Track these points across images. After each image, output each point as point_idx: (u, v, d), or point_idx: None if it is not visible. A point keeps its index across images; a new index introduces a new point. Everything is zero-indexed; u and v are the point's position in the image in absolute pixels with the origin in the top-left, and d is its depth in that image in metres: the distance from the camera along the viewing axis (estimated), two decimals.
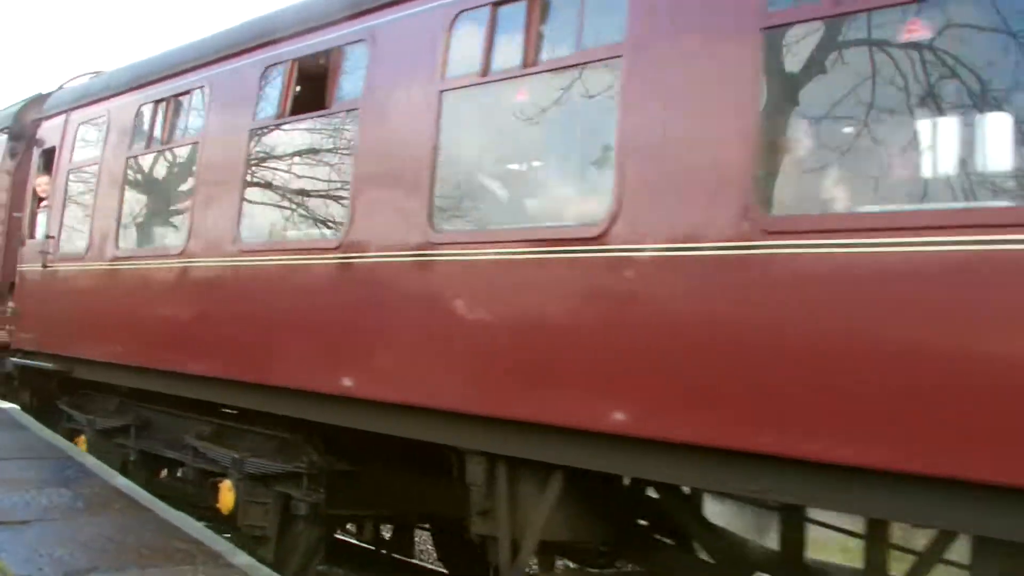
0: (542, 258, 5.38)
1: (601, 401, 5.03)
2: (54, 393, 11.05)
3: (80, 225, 10.28)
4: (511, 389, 5.52)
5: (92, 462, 9.05)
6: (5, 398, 12.43)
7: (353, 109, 6.85)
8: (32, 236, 11.24)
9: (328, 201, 7.11)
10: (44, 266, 10.56)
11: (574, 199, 5.68)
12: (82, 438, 10.17)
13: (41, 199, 11.28)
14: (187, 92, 8.79)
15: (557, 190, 5.89)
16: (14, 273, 11.91)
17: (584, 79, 5.43)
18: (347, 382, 6.53)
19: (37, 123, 11.63)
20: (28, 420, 11.13)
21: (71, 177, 10.53)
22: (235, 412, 8.44)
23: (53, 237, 10.53)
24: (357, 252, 6.57)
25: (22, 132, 12.19)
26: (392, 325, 6.21)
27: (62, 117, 10.95)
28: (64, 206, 10.51)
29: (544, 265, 5.37)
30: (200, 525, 7.22)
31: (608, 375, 5.01)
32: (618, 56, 5.17)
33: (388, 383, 6.21)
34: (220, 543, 6.65)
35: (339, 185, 6.98)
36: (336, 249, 6.69)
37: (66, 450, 9.56)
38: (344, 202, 6.79)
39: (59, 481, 8.00)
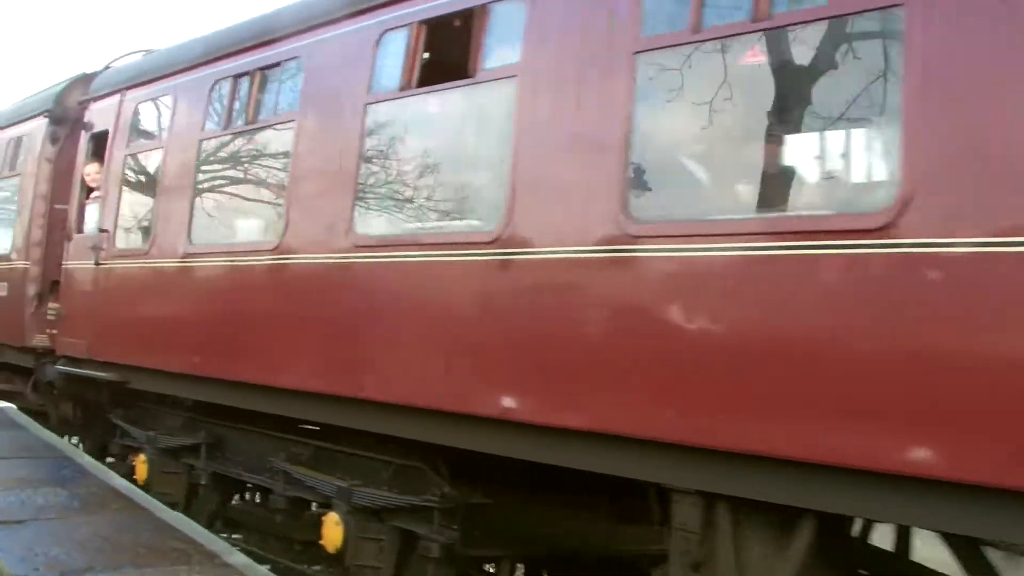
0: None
1: (895, 433, 3.94)
2: (103, 405, 9.91)
3: (141, 217, 9.15)
4: (745, 415, 4.43)
5: (88, 461, 8.92)
6: (43, 409, 11.28)
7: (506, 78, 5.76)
8: (80, 230, 10.09)
9: (478, 184, 6.01)
10: (97, 263, 9.42)
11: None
12: (141, 457, 9.02)
13: (91, 189, 10.13)
14: (276, 64, 7.67)
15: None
16: (56, 271, 10.77)
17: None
18: (509, 403, 5.41)
19: (84, 105, 10.48)
20: (25, 419, 10.84)
21: (128, 163, 9.39)
22: (317, 429, 7.35)
23: (107, 231, 9.38)
24: (518, 247, 5.46)
25: (64, 115, 11.04)
26: (583, 338, 5.09)
27: (115, 98, 9.81)
28: (120, 196, 9.37)
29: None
30: (196, 525, 7.10)
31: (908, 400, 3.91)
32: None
33: (574, 408, 5.10)
34: (216, 543, 6.57)
35: (494, 162, 5.85)
36: (492, 243, 5.57)
37: (63, 450, 9.38)
38: (500, 188, 5.67)
39: (55, 480, 7.91)
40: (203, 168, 8.28)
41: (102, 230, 9.43)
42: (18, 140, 11.77)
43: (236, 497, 8.86)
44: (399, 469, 6.65)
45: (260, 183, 7.80)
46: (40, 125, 11.23)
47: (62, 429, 11.40)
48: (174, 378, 8.37)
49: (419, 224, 6.39)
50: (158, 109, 9.20)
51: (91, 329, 9.47)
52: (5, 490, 7.44)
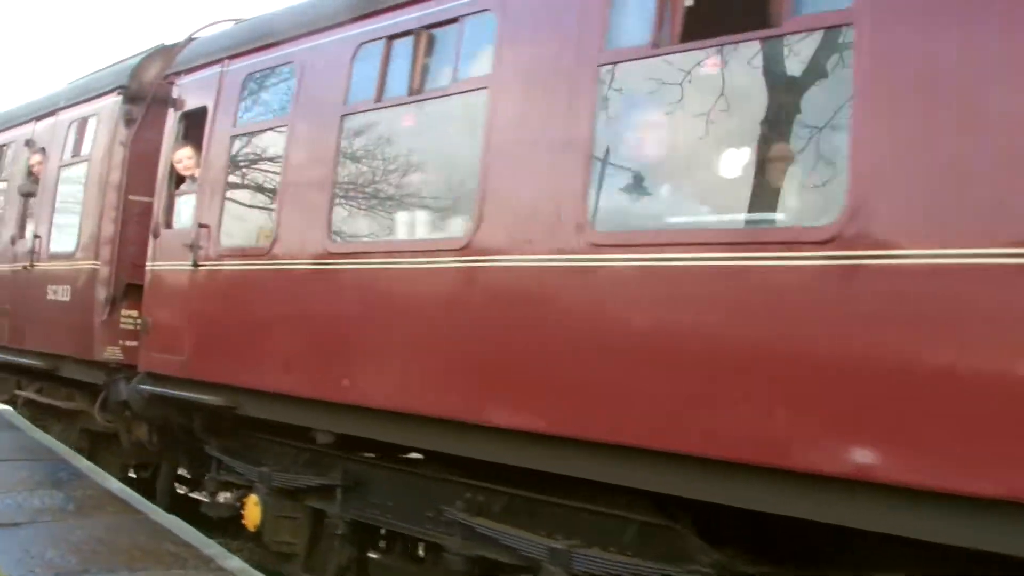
0: None
1: None
2: (195, 432, 8.41)
3: (256, 209, 7.67)
4: None
5: (85, 464, 8.75)
6: (111, 431, 9.76)
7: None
8: (170, 225, 8.59)
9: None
10: (195, 265, 7.92)
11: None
12: (253, 499, 7.49)
13: (182, 178, 8.64)
14: (452, 20, 6.20)
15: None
16: (131, 272, 9.27)
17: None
18: (865, 458, 3.97)
19: (170, 79, 8.98)
20: (21, 421, 10.65)
21: (237, 146, 7.90)
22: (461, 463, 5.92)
23: (207, 226, 7.89)
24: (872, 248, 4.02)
25: (141, 92, 9.54)
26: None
27: (214, 69, 8.31)
28: (225, 185, 7.87)
29: None
30: (192, 528, 6.97)
31: None
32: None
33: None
34: (212, 547, 6.50)
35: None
36: (828, 244, 4.13)
37: (58, 452, 9.28)
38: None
39: (52, 483, 7.85)
40: (349, 150, 6.80)
41: (201, 225, 7.93)
42: (82, 122, 10.26)
43: (374, 548, 7.34)
44: (643, 528, 5.19)
45: (431, 166, 6.33)
46: (111, 104, 9.71)
47: (135, 456, 9.88)
48: (306, 405, 6.89)
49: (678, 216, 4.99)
50: (278, 80, 7.72)
51: (188, 343, 7.97)
52: (2, 493, 7.32)
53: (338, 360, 6.52)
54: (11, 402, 11.37)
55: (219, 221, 7.83)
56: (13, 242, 11.18)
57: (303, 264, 6.92)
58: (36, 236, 10.56)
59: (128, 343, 9.35)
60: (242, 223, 7.75)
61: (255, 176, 7.80)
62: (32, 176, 11.13)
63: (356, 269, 6.50)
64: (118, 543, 6.35)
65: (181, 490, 10.57)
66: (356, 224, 6.85)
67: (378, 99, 6.56)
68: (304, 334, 6.85)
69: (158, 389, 8.32)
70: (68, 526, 6.67)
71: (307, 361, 6.82)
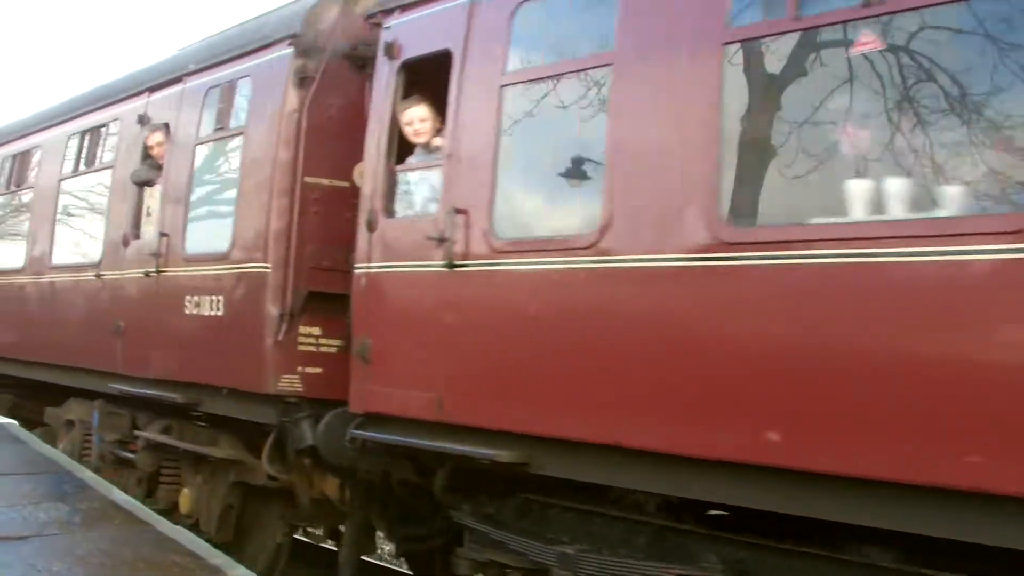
0: None
1: None
2: (433, 493, 6.20)
3: (558, 185, 5.49)
4: None
5: (90, 476, 8.73)
6: (283, 485, 7.53)
7: None
8: (391, 213, 6.37)
9: None
10: (450, 265, 5.71)
11: None
12: None
13: (403, 148, 6.43)
14: None
15: None
16: (311, 277, 7.08)
17: None
18: None
19: (375, 21, 6.77)
20: (25, 434, 10.51)
21: (511, 99, 5.70)
22: None
23: (465, 211, 5.69)
24: None
25: (317, 43, 7.30)
26: None
27: (458, 1, 6.12)
28: (497, 153, 5.66)
29: None
30: (197, 539, 6.94)
31: None
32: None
33: None
34: (218, 556, 6.46)
35: None
36: None
37: (64, 465, 9.18)
38: None
39: (57, 496, 7.83)
40: (749, 90, 4.63)
41: (458, 211, 5.72)
42: (228, 87, 8.03)
43: None
44: None
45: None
46: (275, 61, 7.47)
47: (313, 516, 7.67)
48: (660, 465, 4.71)
49: None
50: (574, 8, 5.53)
51: (442, 374, 5.74)
52: (7, 506, 7.35)
53: (757, 402, 4.33)
54: (123, 444, 9.09)
55: (489, 203, 5.63)
56: (125, 243, 8.92)
57: (667, 261, 4.73)
58: (163, 234, 8.30)
59: (308, 370, 7.12)
60: (533, 204, 5.55)
61: (549, 138, 5.59)
62: (150, 160, 8.89)
63: (790, 267, 4.31)
64: (124, 554, 6.28)
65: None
66: (751, 199, 4.68)
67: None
68: (678, 364, 4.66)
69: (390, 437, 6.08)
70: (74, 539, 6.62)
71: (683, 405, 4.63)
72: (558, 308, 5.22)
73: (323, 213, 7.23)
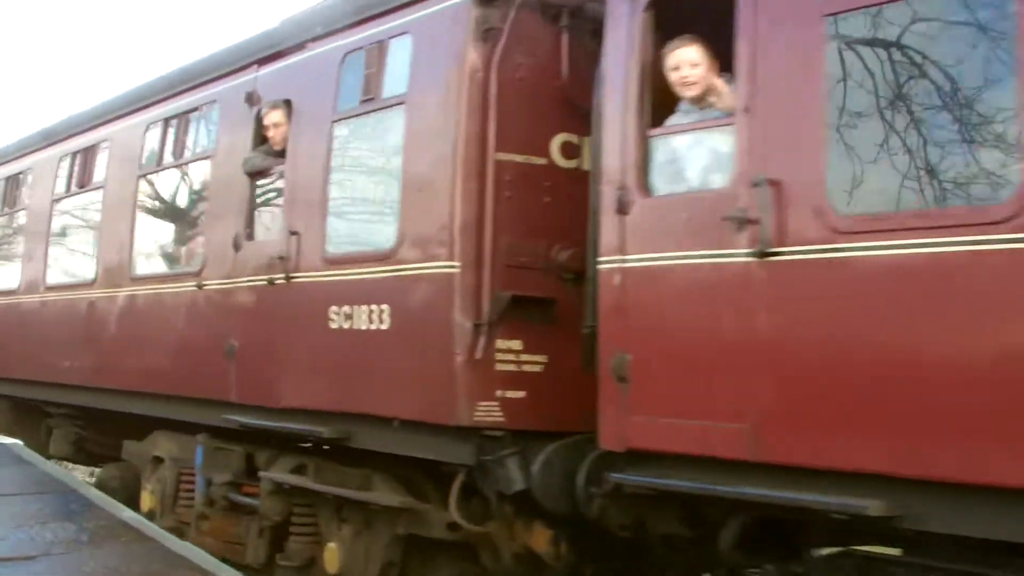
0: None
1: None
2: (719, 554, 4.74)
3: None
4: None
5: (96, 495, 8.79)
6: (461, 538, 6.06)
7: None
8: (650, 190, 4.90)
9: None
10: (761, 253, 4.25)
11: None
12: None
13: (658, 109, 4.98)
14: None
15: None
16: (509, 278, 5.63)
17: None
18: None
19: None
20: (30, 455, 10.46)
21: (838, 30, 4.25)
22: None
23: (778, 183, 4.24)
24: None
25: None
26: None
27: None
28: (822, 102, 4.21)
29: None
30: (206, 554, 6.89)
31: None
32: None
33: None
34: (226, 571, 6.40)
35: None
36: None
37: (69, 484, 9.22)
38: None
39: (64, 515, 7.83)
40: None
41: (770, 182, 4.27)
42: (376, 49, 6.54)
43: None
44: None
45: None
46: (446, 13, 6.02)
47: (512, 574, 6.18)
48: None
49: None
50: None
51: (760, 399, 4.28)
52: (15, 527, 7.38)
53: None
54: (236, 486, 7.58)
55: (819, 169, 4.18)
56: (237, 246, 7.42)
57: None
58: (292, 233, 6.81)
59: (509, 394, 5.66)
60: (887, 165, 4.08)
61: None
62: (264, 145, 7.40)
63: None
64: (132, 571, 6.32)
65: None
66: None
67: None
68: None
69: (679, 482, 4.59)
70: (81, 557, 6.67)
71: None
72: (967, 307, 3.77)
73: (517, 198, 5.80)
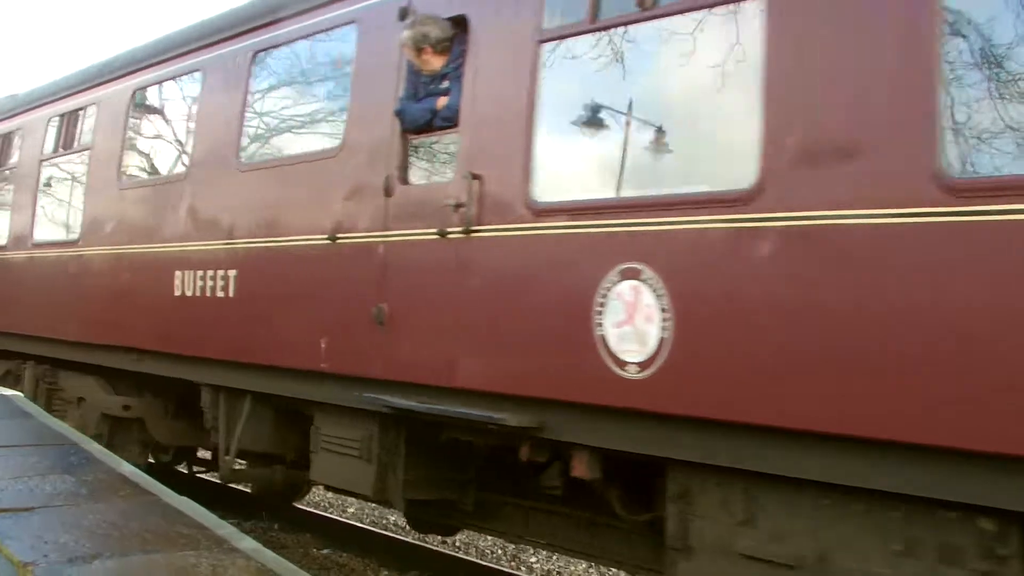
0: None
1: None
2: None
3: None
4: None
5: (96, 449, 8.66)
6: None
7: None
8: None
9: None
10: None
11: None
12: None
13: None
14: None
15: None
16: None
17: None
18: None
19: None
20: (31, 407, 10.23)
21: None
22: None
23: None
24: None
25: None
26: None
27: None
28: None
29: None
30: (204, 510, 6.87)
31: None
32: None
33: None
34: (225, 528, 6.47)
35: None
36: None
37: (70, 437, 8.96)
38: None
39: (63, 468, 7.77)
40: None
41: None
42: None
43: None
44: None
45: None
46: None
47: None
48: None
49: None
50: None
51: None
52: (13, 478, 7.33)
53: None
54: None
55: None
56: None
57: None
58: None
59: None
60: None
61: None
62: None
63: None
64: (131, 526, 6.27)
65: None
66: None
67: None
68: None
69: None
70: (81, 511, 6.57)
71: None
72: None
73: None
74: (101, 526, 6.23)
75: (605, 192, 5.11)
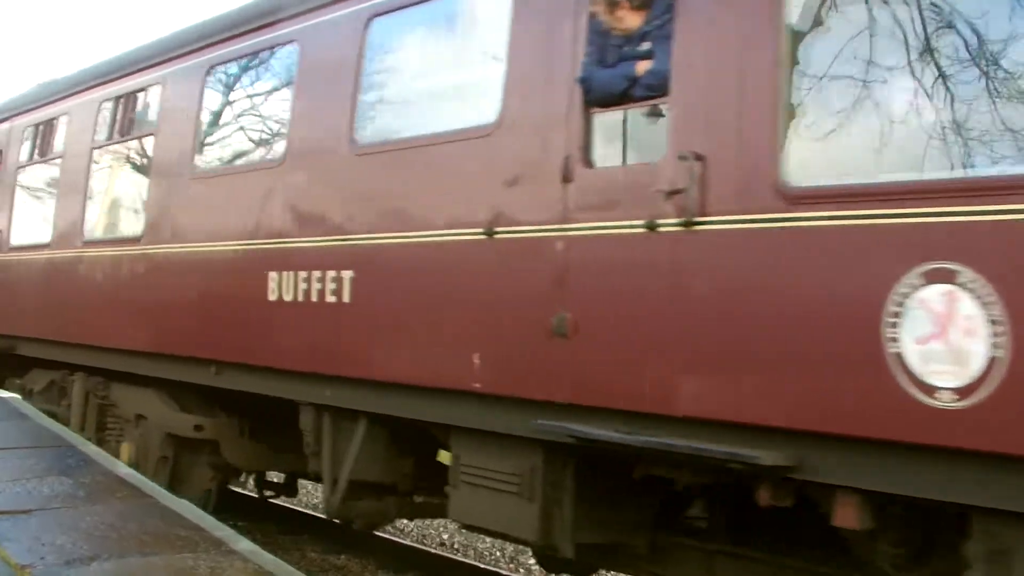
0: None
1: None
2: None
3: None
4: None
5: (94, 450, 8.68)
6: None
7: None
8: None
9: None
10: None
11: None
12: None
13: None
14: None
15: None
16: None
17: None
18: None
19: None
20: (28, 409, 10.29)
21: None
22: None
23: None
24: None
25: None
26: None
27: None
28: None
29: None
30: (202, 512, 6.98)
31: None
32: None
33: None
34: (222, 529, 6.52)
35: None
36: None
37: (67, 439, 9.04)
38: None
39: (61, 470, 7.80)
40: None
41: None
42: None
43: None
44: None
45: None
46: None
47: None
48: None
49: None
50: None
51: None
52: (11, 481, 7.35)
53: None
54: None
55: None
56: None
57: None
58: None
59: None
60: None
61: None
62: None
63: None
64: (129, 528, 6.29)
65: None
66: None
67: None
68: None
69: None
70: (78, 512, 6.58)
71: None
72: None
73: None
74: (99, 528, 6.26)
75: (897, 172, 4.06)
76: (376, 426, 6.47)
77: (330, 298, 6.47)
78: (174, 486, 8.06)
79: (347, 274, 6.35)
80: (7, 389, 11.24)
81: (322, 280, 6.53)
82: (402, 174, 6.12)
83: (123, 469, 8.03)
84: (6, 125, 11.79)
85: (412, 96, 6.51)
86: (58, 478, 7.52)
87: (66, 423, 9.66)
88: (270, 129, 7.61)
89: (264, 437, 8.24)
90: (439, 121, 6.08)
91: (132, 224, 8.96)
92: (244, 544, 6.19)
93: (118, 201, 9.46)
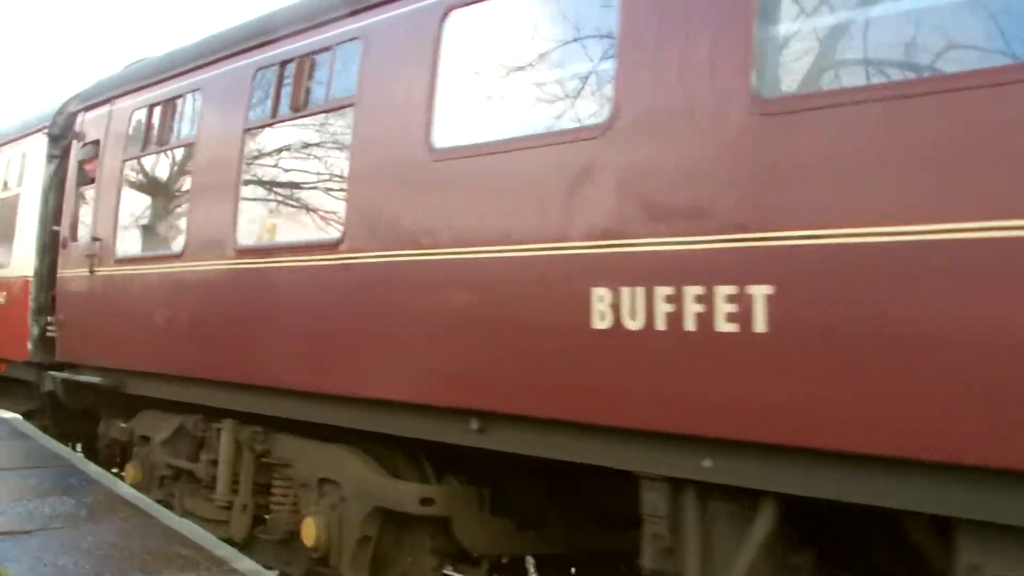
0: None
1: None
2: None
3: None
4: None
5: (95, 470, 8.70)
6: None
7: None
8: None
9: None
10: None
11: None
12: None
13: None
14: None
15: None
16: None
17: None
18: None
19: None
20: (30, 429, 10.40)
21: None
22: None
23: None
24: None
25: None
26: None
27: None
28: None
29: None
30: (204, 531, 6.86)
31: None
32: None
33: None
34: (224, 549, 6.49)
35: None
36: None
37: (69, 459, 9.17)
38: None
39: (62, 489, 7.79)
40: None
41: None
42: None
43: None
44: None
45: None
46: None
47: None
48: None
49: None
50: None
51: None
52: (12, 501, 7.33)
53: None
54: None
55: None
56: None
57: None
58: None
59: None
60: None
61: None
62: None
63: None
64: (130, 547, 6.26)
65: None
66: None
67: None
68: None
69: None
70: (80, 532, 6.57)
71: None
72: None
73: None
74: (100, 547, 6.27)
75: None
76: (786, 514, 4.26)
77: (723, 327, 4.23)
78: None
79: (760, 291, 4.11)
80: (100, 434, 9.39)
81: (704, 300, 4.29)
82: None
83: (124, 489, 7.95)
84: (103, 109, 9.45)
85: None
86: (60, 498, 7.58)
87: (206, 483, 7.58)
88: (576, 88, 5.19)
89: (501, 508, 5.98)
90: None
91: (320, 224, 6.59)
92: (246, 563, 6.16)
93: (292, 196, 7.05)
